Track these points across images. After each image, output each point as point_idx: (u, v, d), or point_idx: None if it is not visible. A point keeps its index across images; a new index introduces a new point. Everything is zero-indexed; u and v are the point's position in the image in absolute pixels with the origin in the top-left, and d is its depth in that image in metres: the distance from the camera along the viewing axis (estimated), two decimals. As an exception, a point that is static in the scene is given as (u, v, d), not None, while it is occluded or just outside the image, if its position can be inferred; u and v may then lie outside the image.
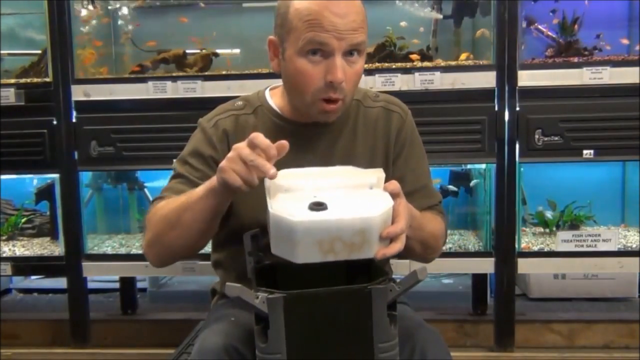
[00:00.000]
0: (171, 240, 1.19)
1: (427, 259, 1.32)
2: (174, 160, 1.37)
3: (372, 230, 0.98)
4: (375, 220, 0.98)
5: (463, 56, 2.20)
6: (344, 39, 1.15)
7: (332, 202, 1.00)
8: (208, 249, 1.57)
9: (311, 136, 1.31)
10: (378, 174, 1.07)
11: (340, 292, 0.99)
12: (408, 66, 2.09)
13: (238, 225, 1.30)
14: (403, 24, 2.25)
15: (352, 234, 0.98)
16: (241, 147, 1.03)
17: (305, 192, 1.03)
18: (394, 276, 1.49)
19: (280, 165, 1.27)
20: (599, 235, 2.11)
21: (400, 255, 1.26)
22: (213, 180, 1.10)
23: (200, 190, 1.13)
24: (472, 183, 2.42)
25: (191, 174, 1.28)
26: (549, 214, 2.38)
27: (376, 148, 1.34)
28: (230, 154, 1.04)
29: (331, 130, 1.31)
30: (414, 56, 2.16)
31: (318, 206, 0.98)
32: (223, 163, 1.05)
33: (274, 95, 1.36)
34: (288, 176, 1.06)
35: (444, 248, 2.20)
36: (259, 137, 1.02)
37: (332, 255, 0.99)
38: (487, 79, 2.05)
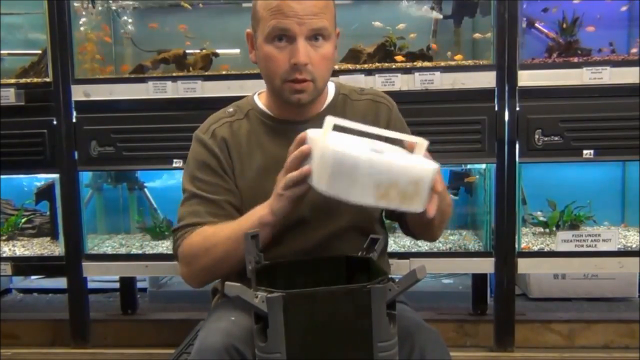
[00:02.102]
0: (218, 270, 1.29)
1: (437, 235, 1.38)
2: (182, 181, 1.39)
3: (425, 182, 1.04)
4: (430, 173, 1.05)
5: (458, 57, 2.19)
6: (304, 24, 1.22)
7: (389, 154, 1.05)
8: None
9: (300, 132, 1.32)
10: (422, 142, 1.12)
11: (339, 291, 0.99)
12: (408, 66, 2.09)
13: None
14: (377, 24, 2.23)
15: (408, 182, 1.03)
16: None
17: (361, 143, 1.09)
18: (392, 276, 1.49)
19: (274, 162, 1.28)
20: (599, 235, 2.11)
21: (416, 228, 1.33)
22: (262, 214, 1.20)
23: (250, 224, 1.21)
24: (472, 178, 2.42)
25: (206, 190, 1.32)
26: (542, 217, 2.38)
27: None
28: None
29: (321, 125, 1.32)
30: (398, 57, 2.15)
31: (378, 152, 1.04)
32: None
33: (262, 98, 1.41)
34: (340, 132, 1.11)
35: (444, 248, 2.22)
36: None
37: (384, 201, 1.03)
38: (487, 79, 2.05)
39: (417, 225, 1.33)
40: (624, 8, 2.29)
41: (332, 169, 1.01)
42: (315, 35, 1.24)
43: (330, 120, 1.06)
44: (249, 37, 1.35)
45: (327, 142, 1.03)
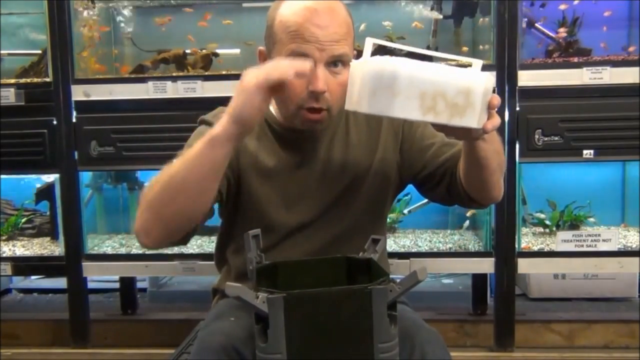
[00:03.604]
0: (165, 206, 1.10)
1: (496, 187, 1.24)
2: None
3: (477, 92, 0.97)
4: (482, 82, 0.98)
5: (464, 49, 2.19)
6: (325, 50, 1.16)
7: (434, 64, 0.99)
8: (210, 249, 1.56)
9: (309, 140, 1.31)
10: (476, 61, 1.04)
11: (340, 292, 0.99)
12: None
13: (243, 223, 1.30)
14: (362, 27, 2.21)
15: (457, 92, 0.96)
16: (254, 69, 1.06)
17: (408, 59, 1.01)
18: (393, 276, 1.49)
19: (283, 172, 1.28)
20: (599, 235, 2.11)
21: (472, 181, 1.22)
22: (213, 130, 1.06)
23: (199, 144, 1.07)
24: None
25: None
26: (546, 220, 2.38)
27: (374, 134, 1.34)
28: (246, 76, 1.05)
29: (326, 132, 1.32)
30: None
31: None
32: (247, 79, 1.04)
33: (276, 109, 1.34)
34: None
35: (443, 248, 2.22)
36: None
37: (432, 114, 0.97)
38: (487, 79, 2.05)
39: (471, 174, 1.21)
40: (607, 13, 2.29)
41: (371, 84, 0.97)
42: (334, 62, 1.18)
43: (369, 41, 1.03)
44: (262, 55, 1.28)
45: (366, 59, 0.99)
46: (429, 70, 0.96)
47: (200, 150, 1.07)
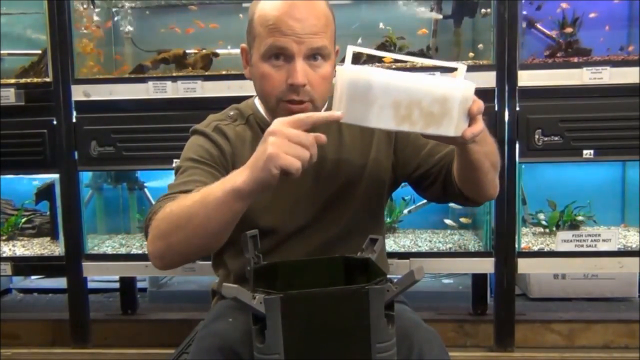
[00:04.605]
0: (179, 242, 1.08)
1: (490, 186, 1.23)
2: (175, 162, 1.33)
3: (454, 100, 0.96)
4: (458, 89, 0.97)
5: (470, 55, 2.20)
6: (303, 43, 1.16)
7: (411, 73, 0.98)
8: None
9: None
10: (461, 66, 1.02)
11: (337, 292, 0.99)
12: (408, 66, 2.09)
13: (240, 227, 1.30)
14: (359, 44, 2.20)
15: (432, 100, 0.95)
16: (283, 129, 0.98)
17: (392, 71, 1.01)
18: (391, 276, 1.49)
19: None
20: (599, 235, 2.11)
21: (464, 180, 1.22)
22: (236, 181, 1.01)
23: (220, 192, 1.03)
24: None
25: (204, 163, 1.24)
26: (543, 221, 2.38)
27: (367, 135, 1.34)
28: (274, 139, 0.97)
29: (318, 132, 1.31)
30: (387, 59, 2.10)
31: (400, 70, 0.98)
32: (272, 150, 0.96)
33: (262, 104, 1.34)
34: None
35: (443, 248, 2.22)
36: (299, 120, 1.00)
37: (407, 124, 0.97)
38: (487, 79, 2.05)
39: (464, 175, 1.20)
40: (592, 15, 2.28)
41: (347, 94, 0.97)
42: (314, 55, 1.18)
43: (350, 49, 1.02)
44: (244, 52, 1.29)
45: (346, 67, 0.98)
46: (404, 80, 0.96)
47: (222, 201, 1.03)
